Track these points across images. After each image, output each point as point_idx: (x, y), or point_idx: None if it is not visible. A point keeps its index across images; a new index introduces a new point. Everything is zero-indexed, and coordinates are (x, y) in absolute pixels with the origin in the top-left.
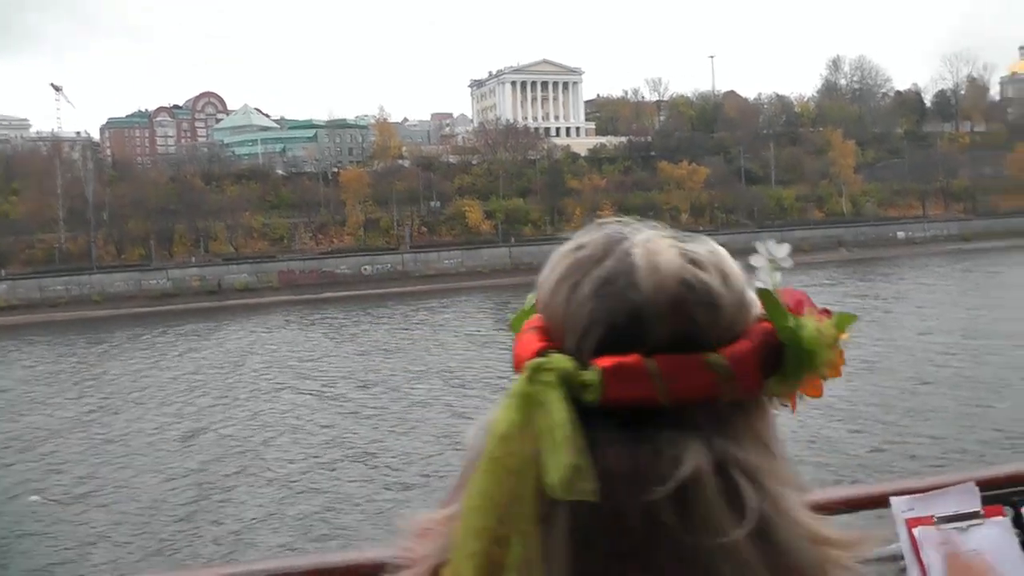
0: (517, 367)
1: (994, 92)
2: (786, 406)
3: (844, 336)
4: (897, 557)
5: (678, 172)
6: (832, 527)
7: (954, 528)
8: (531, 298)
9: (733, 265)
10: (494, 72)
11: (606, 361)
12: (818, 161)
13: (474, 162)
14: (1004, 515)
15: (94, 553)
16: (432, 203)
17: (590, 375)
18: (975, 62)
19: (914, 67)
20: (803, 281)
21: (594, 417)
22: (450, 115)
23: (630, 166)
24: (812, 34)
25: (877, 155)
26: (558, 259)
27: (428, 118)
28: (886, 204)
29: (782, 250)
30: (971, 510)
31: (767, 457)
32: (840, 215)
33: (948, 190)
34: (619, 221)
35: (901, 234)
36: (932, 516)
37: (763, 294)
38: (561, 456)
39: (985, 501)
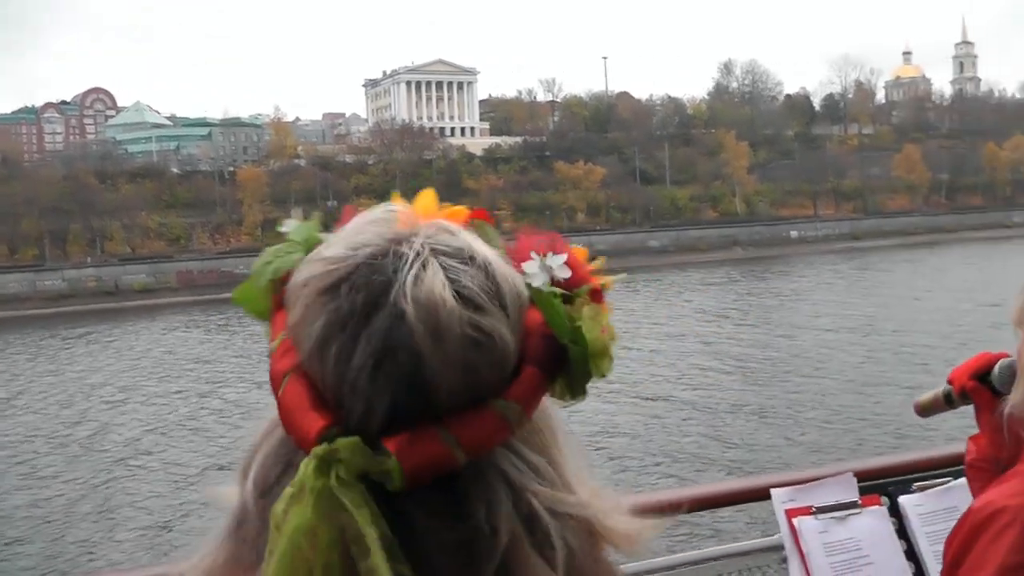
0: (294, 433)
1: (880, 96)
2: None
3: (607, 280)
4: (778, 547)
5: (574, 172)
6: (622, 521)
7: (832, 518)
8: (265, 268)
9: (507, 278)
10: (389, 72)
11: (399, 442)
12: (711, 162)
13: (370, 162)
14: (880, 504)
15: None
16: (329, 203)
17: (389, 463)
18: (862, 67)
19: (803, 71)
20: (703, 279)
21: (402, 504)
22: (342, 115)
23: (526, 166)
24: (702, 37)
25: (769, 156)
26: (310, 299)
27: (320, 117)
28: (779, 204)
29: (558, 260)
30: (849, 500)
31: (559, 461)
32: (734, 215)
33: (838, 190)
34: (375, 220)
35: (794, 233)
36: (811, 506)
37: (541, 300)
38: (378, 567)
39: (863, 491)
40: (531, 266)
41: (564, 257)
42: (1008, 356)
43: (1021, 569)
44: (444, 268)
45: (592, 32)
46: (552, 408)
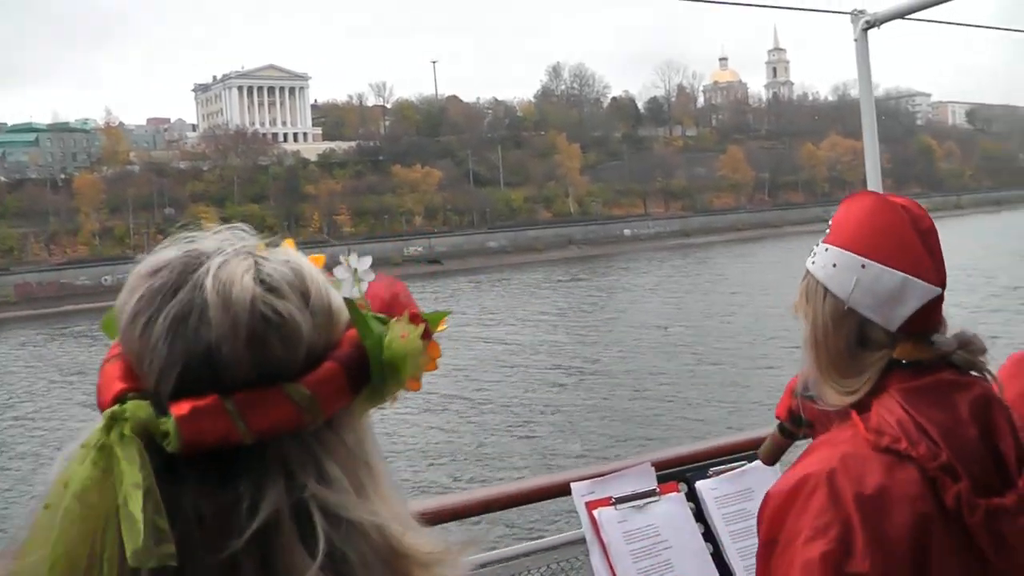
0: (101, 405)
1: (700, 99)
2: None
3: (441, 328)
4: (581, 540)
5: (412, 176)
6: (427, 542)
7: (631, 506)
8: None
9: (317, 280)
10: (219, 77)
11: (183, 406)
12: (543, 163)
13: (205, 168)
14: (678, 490)
15: None
16: (166, 210)
17: (167, 423)
18: (684, 71)
19: (628, 75)
20: (539, 279)
21: (179, 467)
22: (167, 120)
23: (361, 170)
24: (526, 41)
25: (598, 157)
26: (136, 282)
27: (144, 123)
28: (611, 204)
29: (364, 263)
30: (648, 488)
31: (359, 474)
32: (568, 215)
33: (667, 190)
34: (216, 231)
35: (628, 231)
36: (611, 497)
37: (349, 306)
38: (137, 521)
39: (662, 479)
40: (340, 270)
41: (369, 260)
42: None
43: (832, 526)
44: (257, 262)
45: (420, 36)
46: (368, 435)
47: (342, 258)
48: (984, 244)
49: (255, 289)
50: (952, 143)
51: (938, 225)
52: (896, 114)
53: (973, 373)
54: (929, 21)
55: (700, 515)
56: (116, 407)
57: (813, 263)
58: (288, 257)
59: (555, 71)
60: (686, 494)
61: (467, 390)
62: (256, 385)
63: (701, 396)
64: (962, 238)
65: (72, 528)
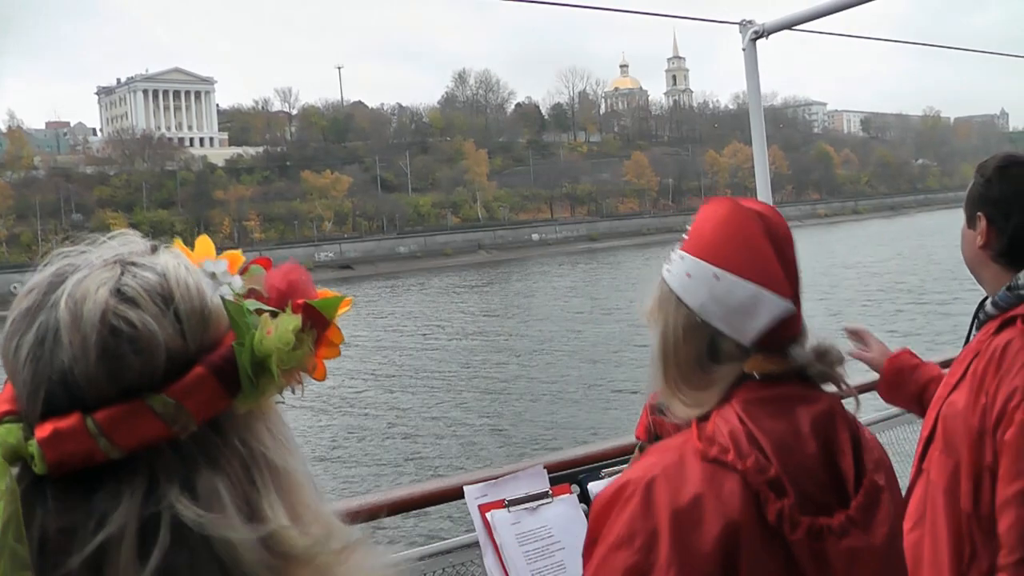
0: None
1: (604, 106)
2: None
3: (343, 310)
4: (475, 543)
5: (321, 181)
6: (339, 540)
7: (524, 509)
8: None
9: (188, 284)
10: (123, 79)
11: (46, 428)
12: (451, 169)
13: (112, 173)
14: (571, 492)
15: None
16: (74, 216)
17: (32, 446)
18: (587, 77)
19: (532, 82)
20: (452, 283)
21: (47, 487)
22: (67, 123)
23: (269, 176)
24: (428, 47)
25: (504, 163)
26: (14, 303)
27: (43, 126)
28: (517, 209)
29: (220, 266)
30: (541, 491)
31: (254, 476)
32: (476, 220)
33: (573, 195)
34: (86, 242)
35: (535, 236)
36: (504, 500)
37: (227, 305)
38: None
39: (554, 481)
40: (214, 266)
41: (226, 263)
42: None
43: (639, 535)
44: (122, 272)
45: (324, 41)
46: (269, 432)
47: (207, 262)
48: (881, 246)
49: (108, 302)
50: (849, 150)
51: (838, 229)
52: (794, 123)
53: (828, 386)
54: (816, 32)
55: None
56: None
57: (669, 271)
58: (162, 262)
59: (461, 77)
60: (578, 496)
61: (378, 393)
62: (116, 401)
63: (600, 398)
64: (861, 241)
65: None
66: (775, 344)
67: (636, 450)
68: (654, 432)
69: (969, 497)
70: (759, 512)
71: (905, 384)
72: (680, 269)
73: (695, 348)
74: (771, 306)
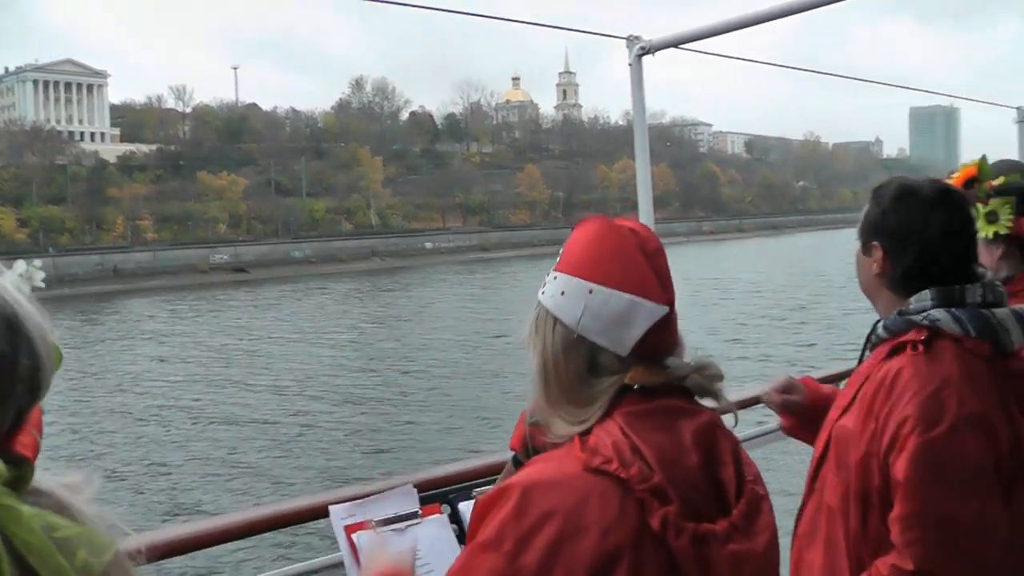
0: None
1: (496, 117)
2: None
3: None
4: (340, 564)
5: (217, 182)
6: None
7: (392, 529)
8: None
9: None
10: (12, 69)
11: None
12: (346, 175)
13: None
14: (441, 512)
15: None
16: None
17: None
18: (481, 89)
19: (426, 91)
20: (347, 288)
21: None
22: None
23: (162, 175)
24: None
25: (397, 171)
26: None
27: None
28: (411, 217)
29: (18, 269)
30: (410, 511)
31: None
32: (369, 227)
33: (466, 205)
34: None
35: (429, 244)
36: (370, 520)
37: None
38: None
39: (424, 501)
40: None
41: (24, 266)
42: None
43: (509, 539)
44: None
45: (217, 40)
46: None
47: (16, 263)
48: (765, 263)
49: None
50: (734, 171)
51: (723, 246)
52: (681, 141)
53: (707, 401)
54: (701, 52)
55: (463, 537)
56: None
57: (543, 293)
58: None
59: (357, 84)
60: (449, 516)
61: (266, 402)
62: None
63: (480, 414)
64: (749, 257)
65: None
66: (654, 354)
67: (510, 461)
68: (530, 444)
69: (858, 519)
70: (643, 520)
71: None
72: (554, 289)
73: (575, 365)
74: (647, 313)
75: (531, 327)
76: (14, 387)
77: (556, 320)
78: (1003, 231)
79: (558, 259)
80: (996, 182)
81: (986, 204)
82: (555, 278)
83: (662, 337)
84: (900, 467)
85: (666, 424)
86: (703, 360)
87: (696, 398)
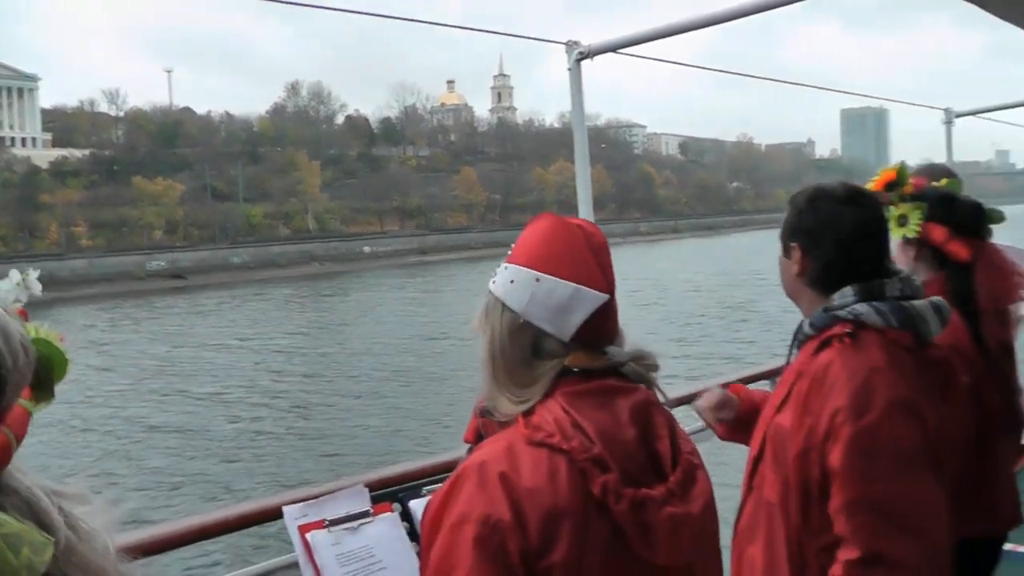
0: None
1: (432, 120)
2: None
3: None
4: (295, 565)
5: (153, 188)
6: None
7: (345, 528)
8: None
9: None
10: None
11: None
12: (282, 180)
13: None
14: (392, 511)
15: None
16: None
17: None
18: (417, 92)
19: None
20: (287, 295)
21: None
22: None
23: (96, 180)
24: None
25: (334, 175)
26: None
27: None
28: (348, 221)
29: (14, 279)
30: (361, 510)
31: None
32: (307, 231)
33: (403, 208)
34: None
35: (367, 249)
36: (324, 520)
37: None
38: None
39: (376, 500)
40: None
41: (18, 273)
42: None
43: (477, 508)
44: None
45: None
46: None
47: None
48: (705, 262)
49: None
50: (669, 172)
51: (659, 247)
52: (616, 143)
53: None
54: (639, 57)
55: (414, 535)
56: None
57: (494, 283)
58: None
59: (293, 88)
60: (400, 514)
61: (209, 409)
62: None
63: (427, 414)
64: (685, 258)
65: None
66: (594, 341)
67: (465, 453)
68: (483, 435)
69: (798, 512)
70: (585, 488)
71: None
72: (504, 278)
73: (520, 348)
74: (589, 300)
75: (481, 314)
76: None
77: (504, 306)
78: (911, 235)
79: (510, 252)
80: (941, 182)
81: (897, 207)
82: (506, 268)
83: (602, 325)
84: (835, 456)
85: (604, 402)
86: (641, 350)
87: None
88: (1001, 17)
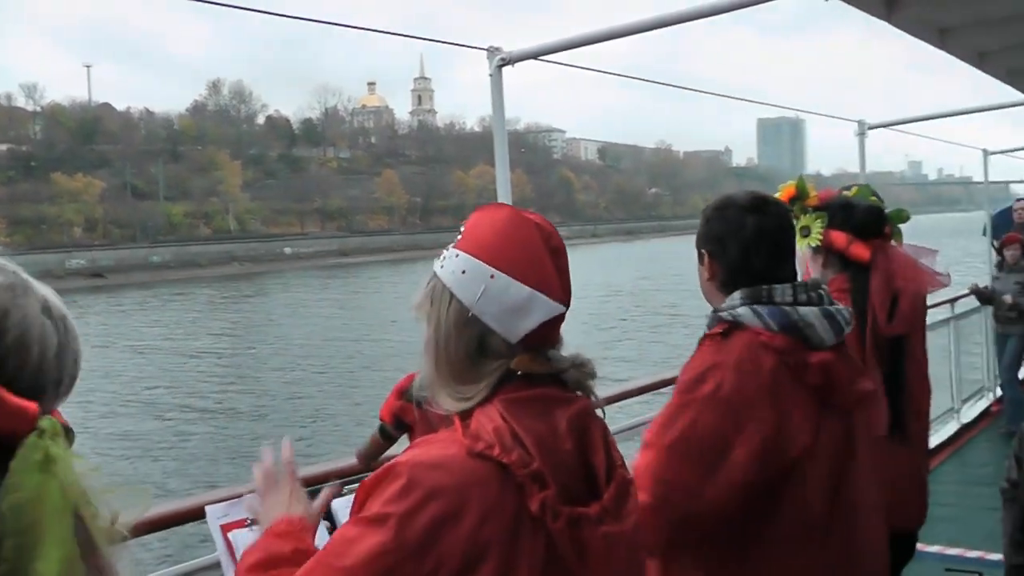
0: None
1: (352, 122)
2: None
3: None
4: (218, 564)
5: (72, 184)
6: None
7: None
8: None
9: None
10: None
11: None
12: (203, 179)
13: None
14: None
15: None
16: None
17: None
18: (339, 94)
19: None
20: (208, 296)
21: None
22: None
23: (13, 176)
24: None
25: (255, 175)
26: None
27: None
28: (269, 222)
29: None
30: None
31: None
32: (227, 231)
33: (324, 210)
34: None
35: (288, 250)
36: (246, 519)
37: None
38: None
39: None
40: None
41: None
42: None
43: (393, 516)
44: None
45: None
46: None
47: None
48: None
49: None
50: (589, 177)
51: (579, 252)
52: (535, 148)
53: (579, 393)
54: (561, 64)
55: (335, 531)
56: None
57: (442, 267)
58: None
59: (215, 86)
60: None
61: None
62: None
63: (349, 414)
64: (607, 263)
65: None
66: (539, 346)
67: (377, 431)
68: (401, 418)
69: None
70: (522, 503)
71: None
72: (455, 266)
73: (465, 343)
74: (544, 308)
75: (426, 297)
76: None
77: (453, 296)
78: (814, 243)
79: (459, 236)
80: (850, 192)
81: (800, 220)
82: (456, 255)
83: (550, 332)
84: (652, 425)
85: (543, 411)
86: (581, 357)
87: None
88: (911, 34)
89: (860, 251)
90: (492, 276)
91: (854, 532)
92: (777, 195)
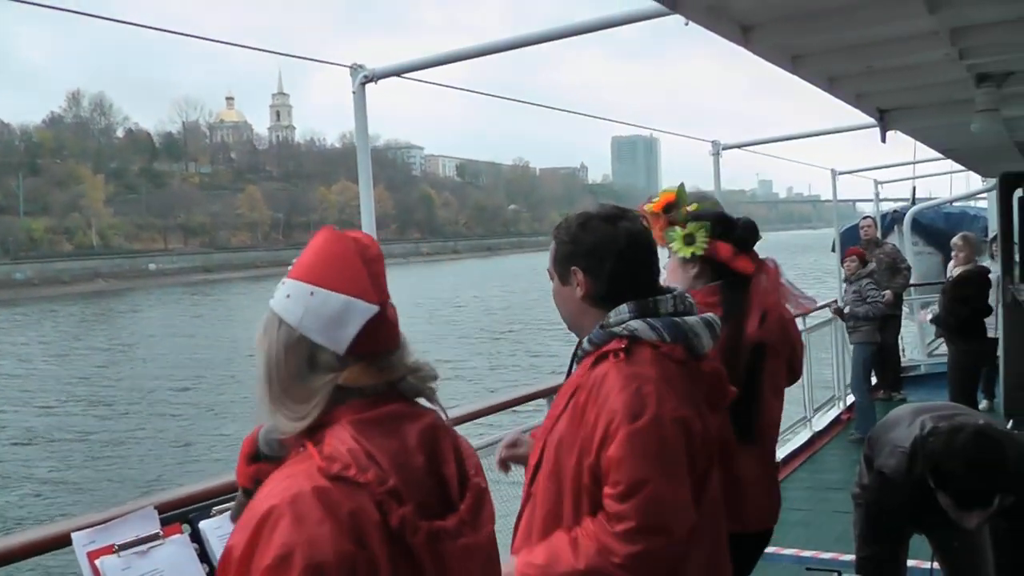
0: None
1: (213, 137)
2: None
3: None
4: None
5: None
6: None
7: (135, 552)
8: None
9: None
10: None
11: None
12: (64, 193)
13: None
14: (182, 532)
15: None
16: None
17: None
18: (200, 107)
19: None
20: (73, 314)
21: None
22: None
23: None
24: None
25: (117, 190)
26: None
27: None
28: (132, 238)
29: None
30: (151, 532)
31: None
32: (90, 247)
33: (187, 226)
34: None
35: (152, 266)
36: (113, 544)
37: None
38: None
39: (165, 522)
40: None
41: None
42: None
43: (296, 550)
44: None
45: None
46: None
47: None
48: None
49: None
50: (448, 193)
51: (440, 267)
52: (395, 164)
53: (422, 400)
54: (423, 81)
55: (204, 555)
56: None
57: (273, 299)
58: None
59: (74, 98)
60: (190, 535)
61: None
62: None
63: (216, 433)
64: (470, 279)
65: None
66: (371, 354)
67: (241, 494)
68: (258, 479)
69: (571, 518)
70: (384, 521)
71: None
72: (282, 293)
73: (295, 362)
74: (360, 313)
75: (260, 330)
76: None
77: (281, 321)
78: (699, 252)
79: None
80: (691, 207)
81: (684, 227)
82: (283, 283)
83: (378, 337)
84: (611, 451)
85: (392, 429)
86: (418, 362)
87: (412, 399)
88: (766, 59)
89: (744, 264)
90: (312, 293)
91: (720, 526)
92: (648, 206)
